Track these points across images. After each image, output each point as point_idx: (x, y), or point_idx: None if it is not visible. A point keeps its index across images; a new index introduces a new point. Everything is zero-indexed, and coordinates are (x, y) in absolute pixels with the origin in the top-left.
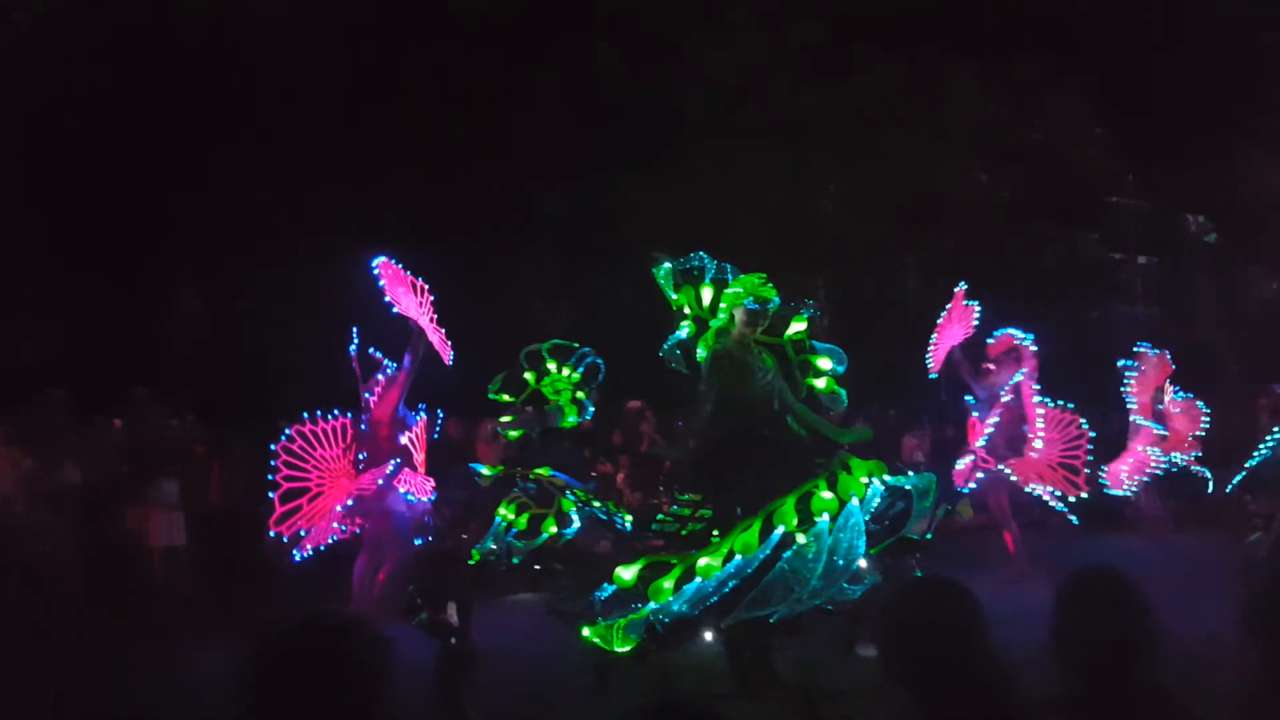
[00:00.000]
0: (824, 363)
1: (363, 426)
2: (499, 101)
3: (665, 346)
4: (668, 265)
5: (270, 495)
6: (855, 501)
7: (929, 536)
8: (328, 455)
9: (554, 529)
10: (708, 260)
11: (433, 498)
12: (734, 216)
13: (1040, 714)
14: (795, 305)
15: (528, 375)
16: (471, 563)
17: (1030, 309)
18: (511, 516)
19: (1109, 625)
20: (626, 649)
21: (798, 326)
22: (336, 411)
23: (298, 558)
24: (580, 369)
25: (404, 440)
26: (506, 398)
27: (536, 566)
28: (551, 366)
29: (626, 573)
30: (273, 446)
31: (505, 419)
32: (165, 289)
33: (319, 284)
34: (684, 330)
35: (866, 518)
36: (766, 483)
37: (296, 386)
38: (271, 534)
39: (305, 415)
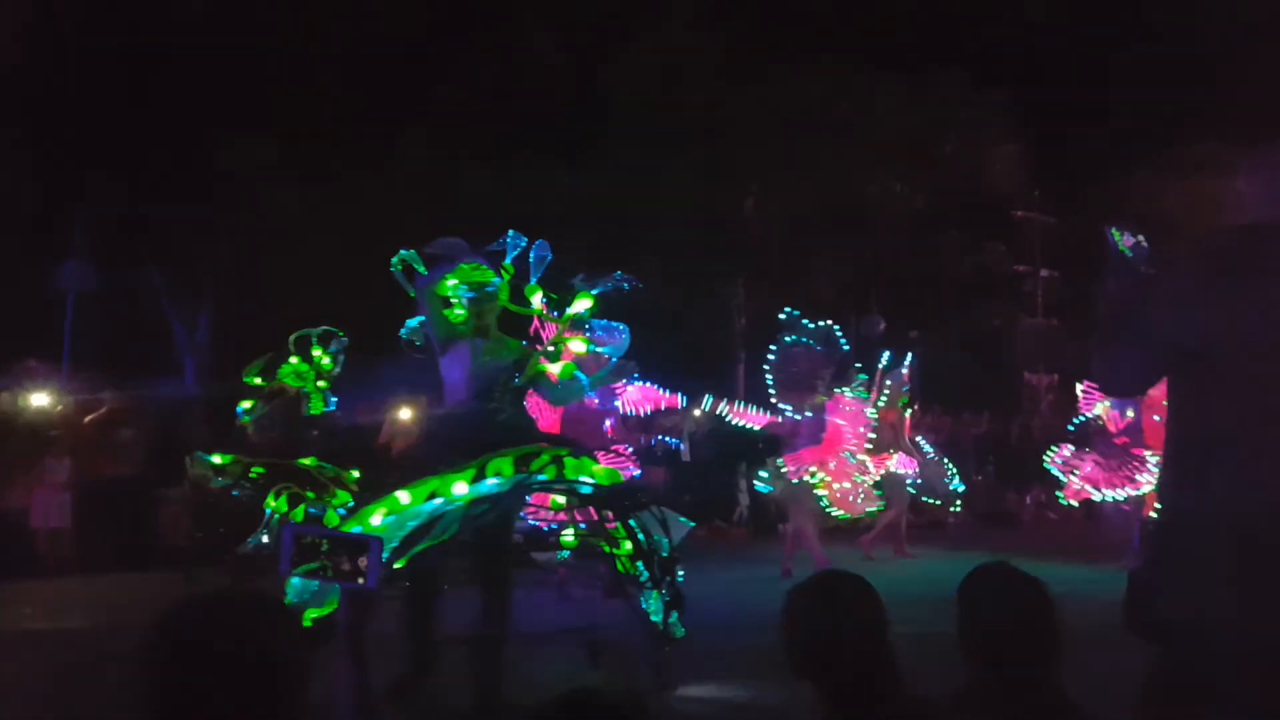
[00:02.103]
0: (575, 345)
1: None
2: (420, 83)
3: (404, 329)
4: (406, 251)
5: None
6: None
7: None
8: None
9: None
10: (514, 240)
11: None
12: (652, 211)
13: (941, 707)
14: (588, 281)
15: (293, 360)
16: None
17: (937, 315)
18: (284, 509)
19: (1004, 621)
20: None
21: (581, 304)
22: None
23: None
24: (332, 357)
25: None
26: (258, 381)
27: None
28: (317, 353)
29: None
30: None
31: (246, 404)
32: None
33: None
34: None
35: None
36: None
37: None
38: None
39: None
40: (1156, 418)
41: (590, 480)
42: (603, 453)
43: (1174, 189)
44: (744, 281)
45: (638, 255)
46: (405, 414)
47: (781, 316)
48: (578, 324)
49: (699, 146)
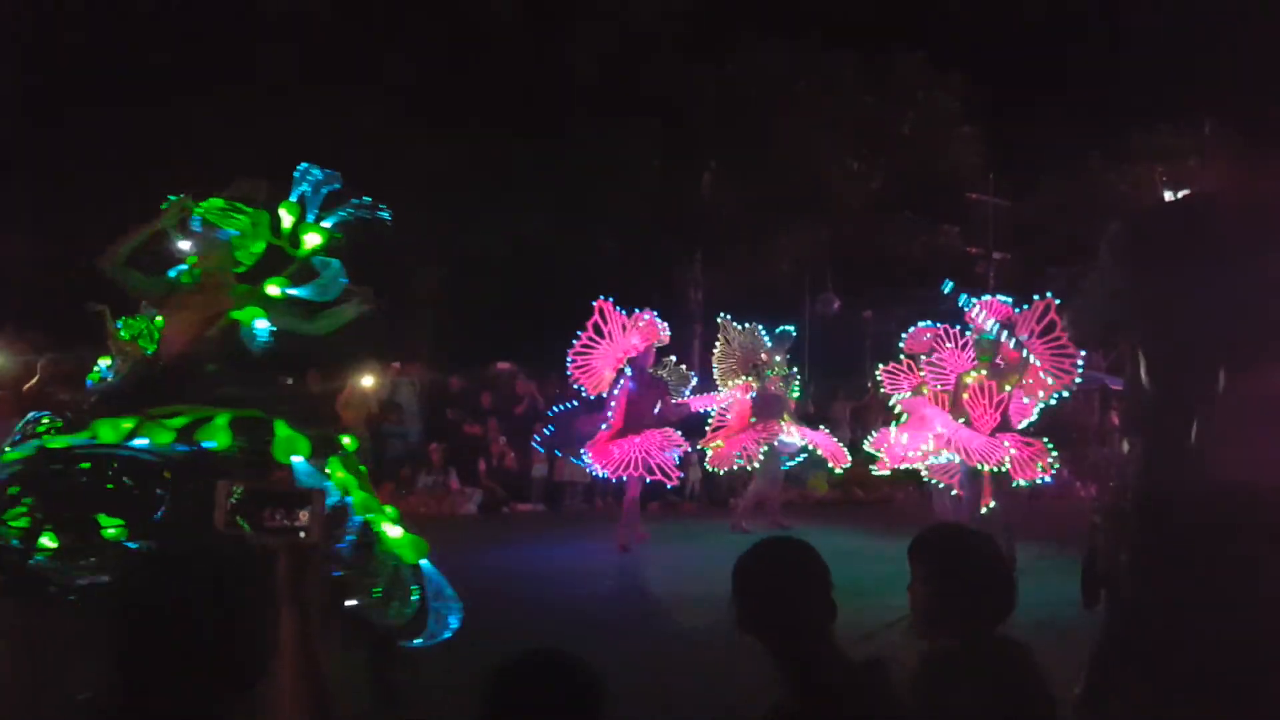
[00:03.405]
0: (271, 289)
1: None
2: (374, 51)
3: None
4: (176, 196)
5: None
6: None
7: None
8: None
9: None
10: (303, 175)
11: None
12: (610, 185)
13: (891, 665)
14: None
15: (159, 318)
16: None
17: (889, 296)
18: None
19: (953, 582)
20: None
21: (311, 240)
22: None
23: None
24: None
25: None
26: (127, 338)
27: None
28: None
29: None
30: None
31: (106, 361)
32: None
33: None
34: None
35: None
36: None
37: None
38: None
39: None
40: (1026, 399)
41: (158, 447)
42: (655, 430)
43: (1124, 174)
44: (700, 257)
45: (595, 229)
46: (368, 381)
47: (719, 321)
48: (306, 265)
49: (657, 122)
